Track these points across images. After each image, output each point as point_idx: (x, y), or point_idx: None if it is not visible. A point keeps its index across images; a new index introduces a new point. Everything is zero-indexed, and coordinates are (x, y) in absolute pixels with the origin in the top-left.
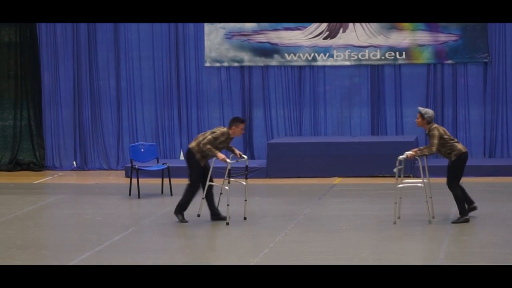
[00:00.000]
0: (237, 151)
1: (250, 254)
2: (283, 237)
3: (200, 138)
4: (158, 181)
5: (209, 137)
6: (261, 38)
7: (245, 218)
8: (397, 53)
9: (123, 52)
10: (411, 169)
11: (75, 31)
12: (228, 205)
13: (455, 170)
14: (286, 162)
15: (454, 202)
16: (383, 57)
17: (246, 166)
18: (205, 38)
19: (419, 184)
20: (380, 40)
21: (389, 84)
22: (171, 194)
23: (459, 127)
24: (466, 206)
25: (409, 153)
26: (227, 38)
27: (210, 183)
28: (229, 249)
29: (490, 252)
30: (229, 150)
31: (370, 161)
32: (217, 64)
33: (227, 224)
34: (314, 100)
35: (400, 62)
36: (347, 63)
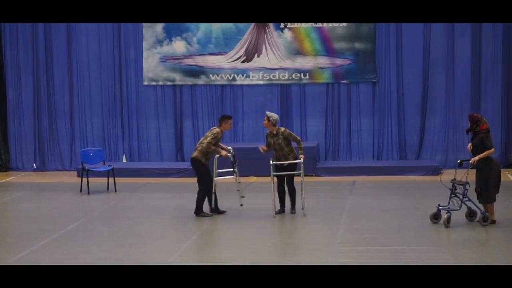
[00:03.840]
0: (224, 146)
1: (181, 240)
2: (208, 225)
3: (199, 147)
4: (104, 180)
5: (209, 139)
6: (190, 61)
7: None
8: (302, 74)
9: (75, 73)
10: (313, 169)
11: (35, 55)
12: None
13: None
14: (210, 163)
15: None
16: (290, 78)
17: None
18: (144, 61)
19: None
20: (288, 63)
21: (295, 100)
22: (115, 191)
23: (352, 135)
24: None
25: (301, 156)
26: (161, 61)
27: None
28: (164, 235)
29: (379, 237)
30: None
31: None
32: (154, 83)
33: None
34: (234, 113)
35: (304, 81)
36: (261, 82)
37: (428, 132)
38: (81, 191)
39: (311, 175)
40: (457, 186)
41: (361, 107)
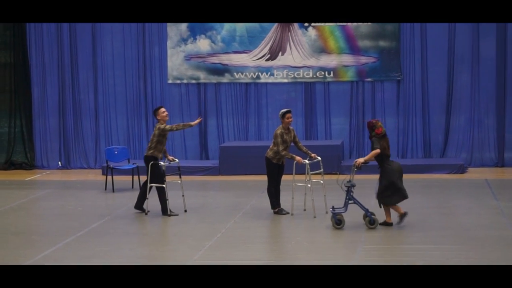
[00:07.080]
0: (170, 157)
1: (206, 238)
2: (232, 224)
3: (153, 145)
4: (129, 178)
5: (167, 126)
6: (214, 59)
7: (185, 211)
8: (326, 72)
9: (100, 71)
10: (338, 167)
11: (60, 54)
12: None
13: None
14: (235, 162)
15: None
16: (314, 76)
17: (178, 167)
18: (168, 59)
19: (321, 181)
20: (312, 61)
21: (319, 98)
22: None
23: None
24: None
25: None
26: (186, 60)
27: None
28: (188, 233)
29: (403, 236)
30: (163, 154)
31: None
32: (178, 81)
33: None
34: (258, 111)
35: (328, 80)
36: (285, 80)
37: (453, 130)
38: (105, 189)
39: (336, 173)
40: (353, 188)
41: (385, 105)
